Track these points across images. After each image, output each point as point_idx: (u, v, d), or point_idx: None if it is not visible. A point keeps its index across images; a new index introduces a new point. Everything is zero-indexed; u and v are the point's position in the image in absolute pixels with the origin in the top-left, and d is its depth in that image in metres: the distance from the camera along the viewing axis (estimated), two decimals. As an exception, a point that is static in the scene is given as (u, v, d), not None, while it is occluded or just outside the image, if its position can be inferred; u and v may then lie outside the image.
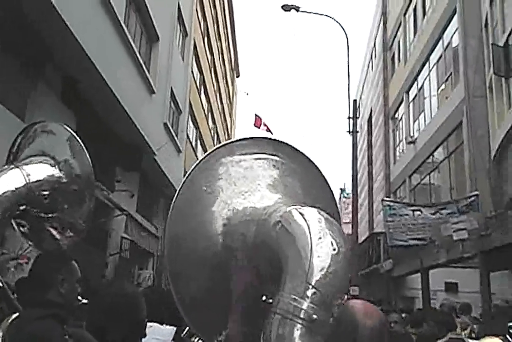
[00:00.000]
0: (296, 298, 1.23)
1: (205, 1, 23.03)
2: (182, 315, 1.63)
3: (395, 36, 22.38)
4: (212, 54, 26.39)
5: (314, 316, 1.21)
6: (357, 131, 15.55)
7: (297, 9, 16.12)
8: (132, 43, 10.75)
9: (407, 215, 12.78)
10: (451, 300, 11.60)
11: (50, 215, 2.55)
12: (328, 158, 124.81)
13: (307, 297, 1.22)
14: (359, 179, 25.33)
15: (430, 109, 16.46)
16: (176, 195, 1.62)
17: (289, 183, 1.71)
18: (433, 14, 16.18)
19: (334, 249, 1.28)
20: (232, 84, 40.72)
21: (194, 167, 1.66)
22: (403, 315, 7.68)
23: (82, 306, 2.24)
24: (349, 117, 15.20)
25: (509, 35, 10.24)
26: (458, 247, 11.49)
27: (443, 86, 15.45)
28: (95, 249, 10.38)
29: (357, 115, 15.50)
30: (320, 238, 1.29)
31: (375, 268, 19.89)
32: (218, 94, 30.04)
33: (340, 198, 53.97)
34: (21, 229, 2.60)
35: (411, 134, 18.41)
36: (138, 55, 11.27)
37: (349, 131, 15.14)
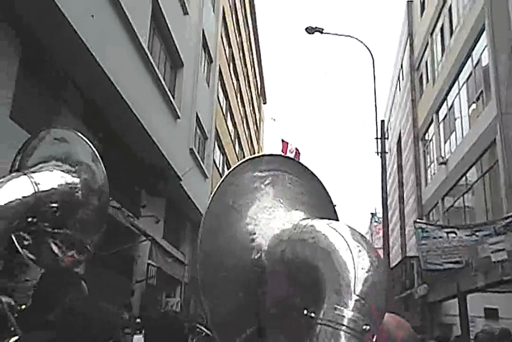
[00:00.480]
0: (343, 309, 1.24)
1: (230, 28, 23.34)
2: (214, 333, 1.59)
3: (422, 56, 22.21)
4: (238, 80, 26.61)
5: (364, 327, 1.22)
6: (386, 152, 15.21)
7: (321, 31, 16.02)
8: (156, 69, 10.88)
9: (441, 237, 12.29)
10: (491, 326, 11.01)
11: (56, 231, 2.36)
12: (358, 183, 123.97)
13: (356, 308, 1.23)
14: (390, 202, 24.86)
15: (462, 128, 16.06)
16: (206, 210, 1.61)
17: (306, 200, 1.77)
18: (461, 32, 15.96)
19: (374, 261, 1.31)
20: (259, 111, 40.98)
21: (222, 181, 1.67)
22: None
23: None
24: (376, 138, 14.92)
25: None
26: (497, 269, 10.94)
27: (474, 106, 15.09)
28: (120, 276, 10.24)
29: (386, 137, 15.21)
30: (360, 251, 1.32)
31: (409, 294, 19.24)
32: (244, 120, 30.17)
33: (371, 222, 53.21)
34: (24, 242, 2.42)
35: (442, 155, 18.02)
36: (162, 80, 11.40)
37: (377, 152, 14.84)
